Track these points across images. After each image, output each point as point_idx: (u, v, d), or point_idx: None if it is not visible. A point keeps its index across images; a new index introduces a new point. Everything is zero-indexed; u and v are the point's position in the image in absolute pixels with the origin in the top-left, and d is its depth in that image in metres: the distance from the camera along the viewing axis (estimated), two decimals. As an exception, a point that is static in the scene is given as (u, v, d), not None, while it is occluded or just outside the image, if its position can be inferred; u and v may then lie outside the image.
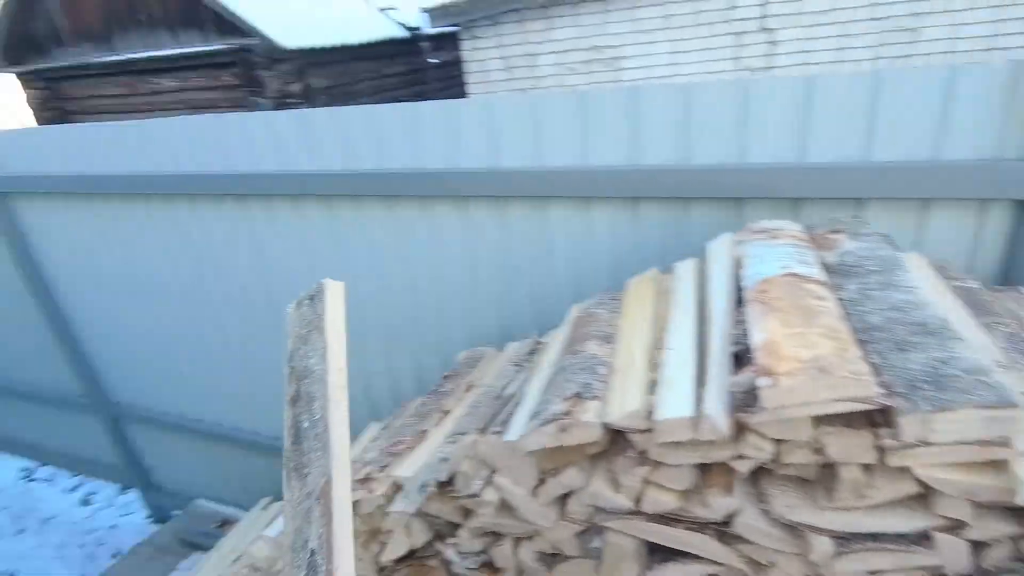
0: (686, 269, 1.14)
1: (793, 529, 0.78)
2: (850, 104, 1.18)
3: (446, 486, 1.03)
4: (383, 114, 1.63)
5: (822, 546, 0.76)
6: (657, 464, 0.81)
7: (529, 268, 1.64)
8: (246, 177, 1.86)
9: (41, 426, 3.31)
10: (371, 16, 8.65)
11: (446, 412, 1.28)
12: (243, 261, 2.07)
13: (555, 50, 5.74)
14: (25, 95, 8.78)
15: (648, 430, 0.79)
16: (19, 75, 8.62)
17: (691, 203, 1.38)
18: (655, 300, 1.10)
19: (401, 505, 1.02)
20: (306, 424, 0.66)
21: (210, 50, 7.12)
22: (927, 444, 0.67)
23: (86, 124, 2.21)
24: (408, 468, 1.10)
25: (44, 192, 2.32)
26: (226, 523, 2.71)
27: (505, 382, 1.25)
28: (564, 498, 0.92)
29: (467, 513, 1.03)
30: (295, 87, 6.97)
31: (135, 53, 7.65)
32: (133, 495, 3.31)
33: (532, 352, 1.35)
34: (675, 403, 0.77)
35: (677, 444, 0.78)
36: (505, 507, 0.95)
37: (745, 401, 0.75)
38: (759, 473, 0.81)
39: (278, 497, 2.51)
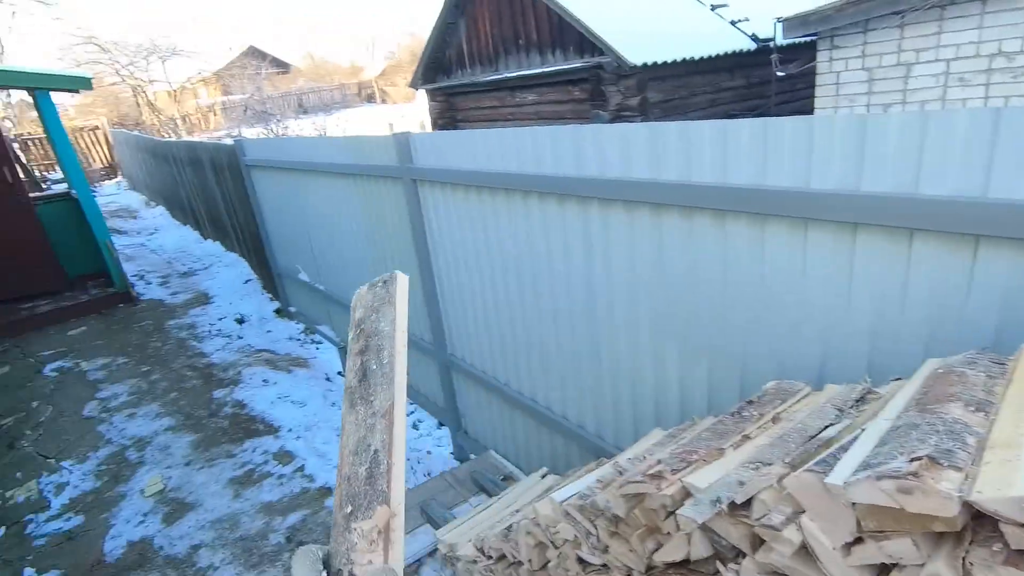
0: None
1: None
2: None
3: (739, 509, 0.99)
4: (732, 128, 1.62)
5: None
6: (1039, 574, 0.64)
7: (872, 305, 1.43)
8: (590, 181, 2.07)
9: (399, 358, 4.29)
10: (718, 29, 8.55)
11: (746, 436, 1.22)
12: (575, 257, 2.31)
13: (942, 57, 4.77)
14: (429, 106, 11.35)
15: (1035, 527, 0.63)
16: (428, 91, 11.17)
17: None
18: (1066, 375, 0.85)
19: (689, 511, 1.03)
20: (374, 367, 0.81)
21: (569, 68, 8.04)
22: None
23: (469, 131, 2.74)
24: (701, 479, 1.10)
25: (441, 182, 2.98)
26: (508, 478, 3.09)
27: (823, 424, 1.13)
28: (885, 569, 0.79)
29: (757, 544, 0.97)
30: (633, 101, 7.37)
31: (510, 72, 9.12)
32: (445, 432, 4.03)
33: (861, 400, 1.18)
34: (1090, 505, 0.59)
35: (1081, 559, 0.59)
36: (805, 553, 0.87)
37: None
38: None
39: (554, 470, 2.76)
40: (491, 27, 9.31)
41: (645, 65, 7.15)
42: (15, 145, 12.31)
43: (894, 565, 0.78)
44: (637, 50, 7.20)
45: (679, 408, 2.05)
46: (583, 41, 7.73)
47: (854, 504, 0.78)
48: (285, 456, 3.90)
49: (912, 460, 0.74)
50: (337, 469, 0.74)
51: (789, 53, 7.94)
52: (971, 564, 0.69)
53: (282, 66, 35.40)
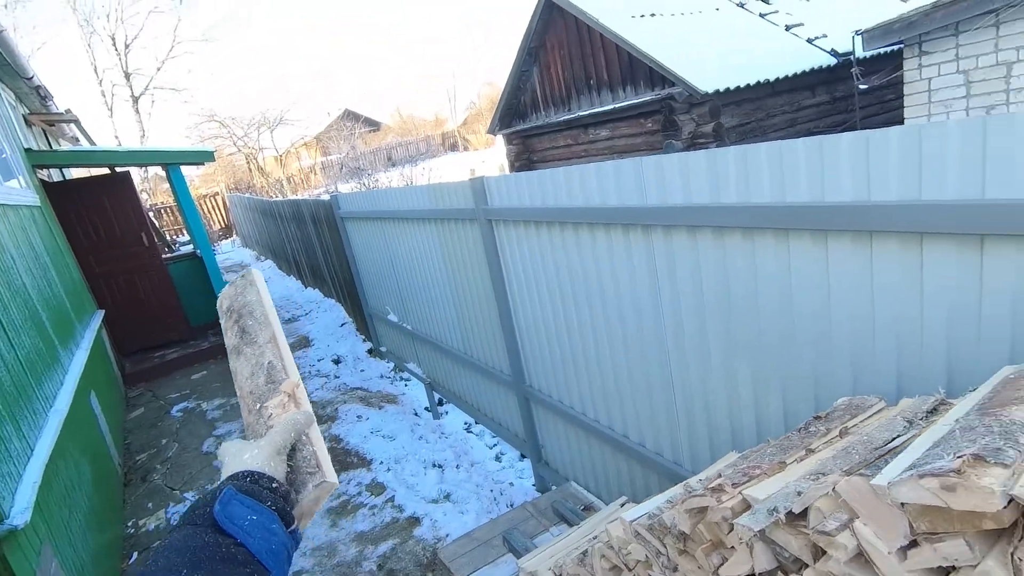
0: None
1: None
2: None
3: (797, 519, 0.99)
4: (786, 148, 1.63)
5: None
6: (1097, 572, 0.61)
7: (946, 316, 1.37)
8: (653, 210, 2.13)
9: (481, 392, 4.42)
10: (794, 48, 8.33)
11: (811, 450, 1.20)
12: (641, 284, 2.36)
13: (1048, 55, 4.41)
14: (506, 149, 11.81)
15: (1083, 520, 0.61)
16: (505, 135, 11.64)
17: None
18: None
19: (746, 520, 1.03)
20: (250, 323, 0.92)
21: (640, 101, 8.14)
22: None
23: (539, 171, 2.88)
24: (760, 491, 1.10)
25: (514, 220, 3.13)
26: (588, 508, 3.08)
27: (890, 436, 1.10)
28: (943, 572, 0.77)
29: (818, 555, 0.96)
30: (707, 128, 7.31)
31: (583, 111, 9.35)
32: (526, 463, 4.08)
33: (933, 411, 1.14)
34: None
35: None
36: (862, 559, 0.86)
37: None
38: None
39: (633, 498, 2.73)
40: (562, 70, 9.64)
41: (717, 91, 7.10)
42: (151, 213, 14.12)
43: (952, 568, 0.76)
44: (708, 77, 7.18)
45: (755, 431, 2.00)
46: (653, 74, 7.83)
47: (903, 505, 0.78)
48: (377, 487, 4.10)
49: (958, 458, 0.74)
50: (240, 399, 0.84)
51: (874, 64, 7.58)
52: (1020, 559, 0.67)
53: (373, 125, 38.17)
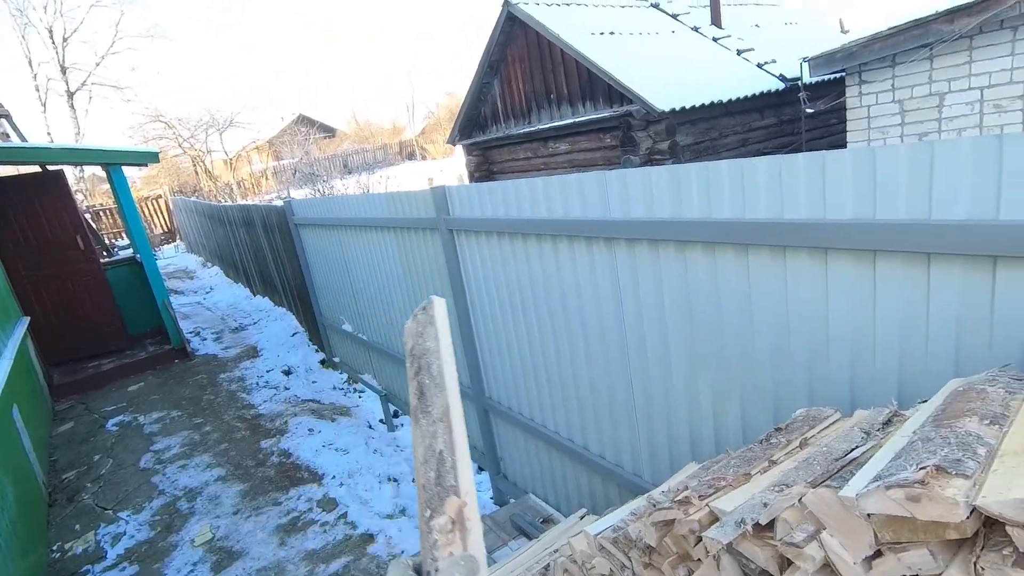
0: None
1: None
2: None
3: (764, 530, 1.00)
4: (748, 166, 1.68)
5: None
6: (1053, 579, 0.64)
7: (899, 333, 1.43)
8: (616, 223, 2.15)
9: (439, 404, 4.35)
10: (745, 72, 8.69)
11: (773, 462, 1.23)
12: (604, 296, 2.37)
13: (975, 86, 4.73)
14: (466, 160, 11.79)
15: (1041, 529, 0.63)
16: (465, 146, 11.63)
17: None
18: (1085, 386, 0.85)
19: (715, 533, 1.04)
20: (427, 381, 0.83)
21: (599, 117, 8.29)
22: None
23: (502, 182, 2.88)
24: (727, 503, 1.11)
25: (476, 231, 3.11)
26: (548, 521, 3.06)
27: (849, 447, 1.13)
28: (907, 583, 0.79)
29: (784, 566, 0.98)
30: (663, 145, 7.50)
31: (543, 124, 9.44)
32: (484, 476, 4.03)
33: (888, 422, 1.18)
34: (1088, 502, 0.60)
35: (1089, 559, 0.60)
36: (829, 570, 0.87)
37: None
38: None
39: (593, 511, 2.73)
40: (523, 84, 9.73)
41: (673, 110, 7.31)
42: (87, 215, 13.38)
43: (916, 578, 0.78)
44: (665, 97, 7.39)
45: (714, 441, 2.03)
46: (611, 91, 8.00)
47: (869, 516, 0.80)
48: (329, 503, 3.96)
49: (920, 469, 0.76)
50: (416, 481, 0.78)
51: (819, 90, 7.99)
52: (982, 569, 0.69)
53: (329, 131, 37.46)
